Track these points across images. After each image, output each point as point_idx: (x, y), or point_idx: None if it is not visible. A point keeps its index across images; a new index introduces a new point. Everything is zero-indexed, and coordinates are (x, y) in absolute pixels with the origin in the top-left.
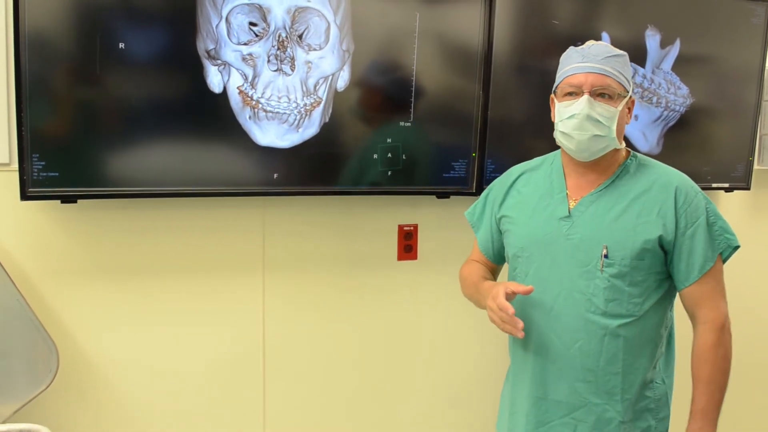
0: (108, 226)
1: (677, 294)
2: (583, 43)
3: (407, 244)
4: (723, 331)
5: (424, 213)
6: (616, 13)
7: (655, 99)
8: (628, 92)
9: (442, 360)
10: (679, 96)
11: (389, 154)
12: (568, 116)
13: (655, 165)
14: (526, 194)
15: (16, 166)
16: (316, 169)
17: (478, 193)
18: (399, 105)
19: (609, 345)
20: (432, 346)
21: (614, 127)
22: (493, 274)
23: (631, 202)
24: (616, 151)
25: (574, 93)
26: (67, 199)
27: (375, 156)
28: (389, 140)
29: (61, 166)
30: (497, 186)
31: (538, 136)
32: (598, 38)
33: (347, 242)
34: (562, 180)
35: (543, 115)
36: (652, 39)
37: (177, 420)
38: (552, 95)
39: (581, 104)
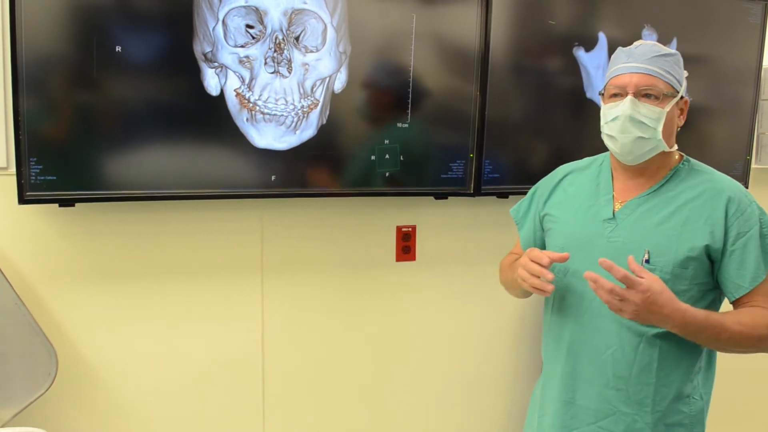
0: (106, 229)
1: (721, 306)
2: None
3: (405, 245)
4: None
5: (422, 214)
6: (612, 13)
7: None
8: (677, 92)
9: (441, 361)
10: None
11: (387, 156)
12: (612, 118)
13: (709, 171)
14: (571, 194)
15: (13, 170)
16: (314, 170)
17: (476, 193)
18: (396, 106)
19: (643, 353)
20: (431, 347)
21: (660, 129)
22: None
23: (678, 208)
24: (667, 154)
25: (618, 94)
26: (65, 203)
27: (373, 157)
28: (387, 141)
29: (59, 170)
30: (543, 184)
31: (536, 137)
32: (594, 39)
33: (345, 244)
34: (610, 182)
35: (541, 116)
36: (649, 38)
37: (176, 423)
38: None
39: (624, 105)
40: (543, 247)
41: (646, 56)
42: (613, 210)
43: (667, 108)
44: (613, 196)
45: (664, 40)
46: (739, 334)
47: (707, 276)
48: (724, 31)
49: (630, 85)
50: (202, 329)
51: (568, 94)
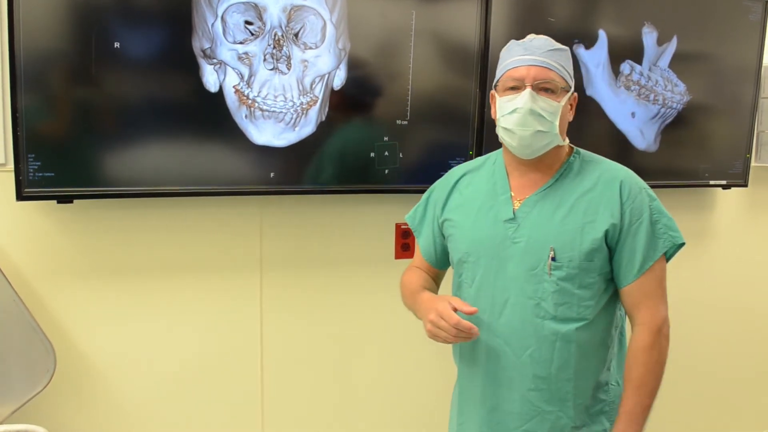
0: (104, 225)
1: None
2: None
3: (404, 242)
4: (659, 335)
5: None
6: (613, 10)
7: (652, 96)
8: (570, 87)
9: (440, 358)
10: (676, 93)
11: (386, 153)
12: (510, 111)
13: (600, 161)
14: (468, 196)
15: (11, 166)
16: (313, 167)
17: None
18: (396, 103)
19: (561, 351)
20: (429, 344)
21: (557, 123)
22: (436, 280)
23: (576, 200)
24: (559, 148)
25: (516, 87)
26: (63, 199)
27: (372, 154)
28: (386, 139)
29: (57, 166)
30: (438, 188)
31: None
32: (594, 36)
33: (344, 241)
34: (506, 180)
35: None
36: (649, 36)
37: (175, 420)
38: (492, 91)
39: (524, 98)
40: (445, 253)
41: (542, 49)
42: (513, 209)
43: (563, 102)
44: (511, 194)
45: (664, 37)
46: (653, 385)
47: (609, 265)
48: (724, 28)
49: (528, 77)
50: (201, 325)
51: None
